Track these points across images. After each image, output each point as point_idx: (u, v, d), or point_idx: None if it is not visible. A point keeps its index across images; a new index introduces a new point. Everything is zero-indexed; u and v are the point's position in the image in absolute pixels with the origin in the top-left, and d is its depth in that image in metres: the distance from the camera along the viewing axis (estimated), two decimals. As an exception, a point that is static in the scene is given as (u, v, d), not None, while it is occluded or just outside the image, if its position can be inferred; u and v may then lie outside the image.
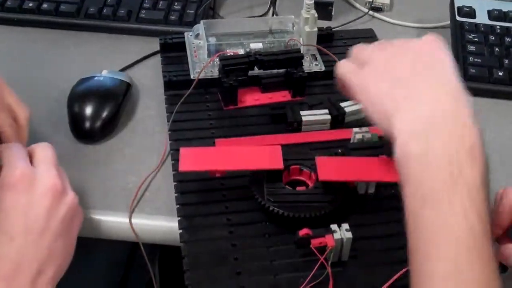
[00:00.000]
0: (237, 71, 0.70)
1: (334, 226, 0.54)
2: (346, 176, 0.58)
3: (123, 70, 0.77)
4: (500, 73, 0.76)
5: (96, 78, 0.71)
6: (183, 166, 0.58)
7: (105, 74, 0.72)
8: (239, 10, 0.89)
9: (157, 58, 0.79)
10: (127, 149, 0.67)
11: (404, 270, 0.53)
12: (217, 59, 0.72)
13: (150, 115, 0.72)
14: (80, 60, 0.80)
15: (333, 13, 0.87)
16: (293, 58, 0.71)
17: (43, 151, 0.56)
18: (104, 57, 0.80)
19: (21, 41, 0.83)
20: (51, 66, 0.79)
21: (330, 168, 0.58)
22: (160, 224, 0.60)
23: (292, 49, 0.73)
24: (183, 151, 0.59)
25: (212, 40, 0.75)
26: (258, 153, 0.59)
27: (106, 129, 0.68)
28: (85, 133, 0.68)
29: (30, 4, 0.85)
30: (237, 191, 0.60)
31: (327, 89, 0.74)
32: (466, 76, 0.76)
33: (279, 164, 0.58)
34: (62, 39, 0.83)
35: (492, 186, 0.47)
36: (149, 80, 0.77)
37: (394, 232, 0.58)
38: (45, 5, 0.85)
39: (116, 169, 0.65)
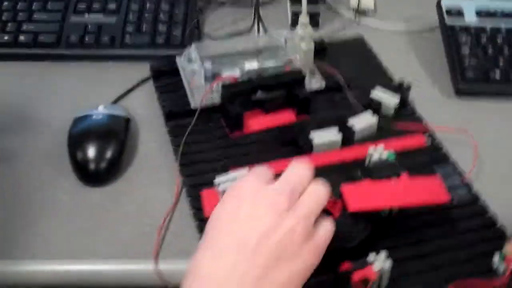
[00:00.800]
0: (240, 97, 0.68)
1: (372, 256, 0.53)
2: (377, 203, 0.57)
3: (115, 101, 0.74)
4: (497, 73, 0.76)
5: (93, 117, 0.68)
6: (209, 211, 0.55)
7: (101, 111, 0.69)
8: (223, 26, 0.87)
9: (149, 85, 0.77)
10: (136, 189, 0.65)
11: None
12: (216, 85, 0.70)
13: (153, 148, 0.69)
14: (68, 93, 0.76)
15: (319, 22, 0.86)
16: (295, 79, 0.69)
17: (293, 174, 0.52)
18: (93, 88, 0.77)
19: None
20: (38, 102, 0.75)
21: (358, 196, 0.57)
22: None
23: (294, 70, 0.71)
24: (205, 194, 0.57)
25: (208, 64, 0.73)
26: None
27: (112, 169, 0.65)
28: (92, 176, 0.65)
29: (6, 37, 0.81)
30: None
31: (329, 104, 0.73)
32: (465, 79, 0.76)
33: None
34: (44, 72, 0.79)
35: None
36: (144, 110, 0.74)
37: (427, 252, 0.58)
38: (22, 37, 0.81)
39: (129, 213, 0.63)
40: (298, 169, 0.53)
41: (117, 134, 0.67)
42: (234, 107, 0.68)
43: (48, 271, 0.58)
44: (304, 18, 0.73)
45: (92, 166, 0.65)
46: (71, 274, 0.58)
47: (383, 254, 0.54)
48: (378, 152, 0.63)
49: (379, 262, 0.53)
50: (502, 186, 0.65)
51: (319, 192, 0.52)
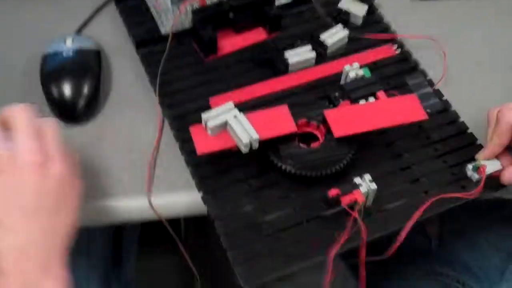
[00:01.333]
0: (212, 21, 0.67)
1: (357, 179, 0.57)
2: (362, 127, 0.59)
3: (79, 30, 0.72)
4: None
5: (64, 54, 0.66)
6: (200, 148, 0.57)
7: (69, 45, 0.67)
8: None
9: (112, 8, 0.74)
10: (118, 124, 0.65)
11: (425, 205, 0.57)
12: (185, 8, 0.69)
13: (129, 79, 0.69)
14: (28, 26, 0.73)
15: None
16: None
17: (17, 117, 0.52)
18: (53, 17, 0.74)
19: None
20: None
21: (341, 122, 0.59)
22: (181, 200, 0.61)
23: (262, -13, 0.70)
24: (193, 130, 0.58)
25: (173, -15, 0.71)
26: (268, 119, 0.59)
27: (91, 105, 0.65)
28: (72, 114, 0.64)
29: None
30: (252, 156, 0.61)
31: (300, 18, 0.73)
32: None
33: (291, 127, 0.59)
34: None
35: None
36: (111, 37, 0.72)
37: (405, 165, 0.61)
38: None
39: (115, 149, 0.63)
40: (21, 116, 0.52)
41: (91, 69, 0.66)
42: (207, 31, 0.67)
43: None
44: None
45: (70, 103, 0.64)
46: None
47: (367, 177, 0.57)
48: (354, 69, 0.64)
49: (365, 185, 0.56)
50: (470, 90, 0.68)
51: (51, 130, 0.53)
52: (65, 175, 0.52)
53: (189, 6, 0.69)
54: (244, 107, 0.63)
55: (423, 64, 0.69)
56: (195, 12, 0.67)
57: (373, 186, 0.56)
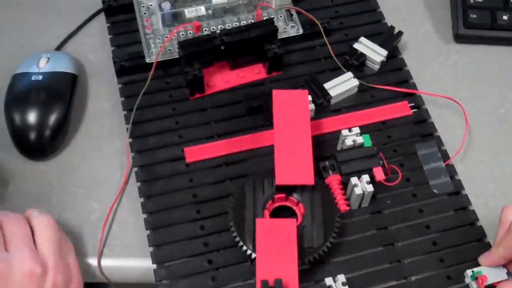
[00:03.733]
0: (201, 56, 0.59)
1: (329, 280, 0.49)
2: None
3: (65, 41, 0.65)
4: (505, 17, 0.65)
5: (33, 77, 0.59)
6: None
7: (43, 68, 0.60)
8: None
9: (101, 19, 0.67)
10: (83, 164, 0.58)
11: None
12: (176, 34, 0.61)
13: (104, 110, 0.62)
14: (12, 27, 0.67)
15: None
16: (265, 34, 0.59)
17: (12, 227, 0.48)
18: (34, 26, 0.67)
19: None
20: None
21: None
22: (132, 265, 0.54)
23: (264, 21, 0.61)
24: None
25: (166, 6, 0.62)
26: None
27: (56, 138, 0.58)
28: (32, 147, 0.58)
29: None
30: (216, 221, 0.54)
31: (306, 56, 0.64)
32: (466, 24, 0.65)
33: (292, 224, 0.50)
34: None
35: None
36: (96, 54, 0.65)
37: (396, 257, 0.53)
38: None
39: (75, 194, 0.57)
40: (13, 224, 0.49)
41: (61, 95, 0.59)
42: (193, 68, 0.59)
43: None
44: (281, -50, 0.61)
45: (33, 136, 0.58)
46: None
47: (340, 278, 0.49)
48: (352, 135, 0.55)
49: (336, 288, 0.48)
50: (491, 172, 0.58)
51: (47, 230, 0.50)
52: (60, 282, 0.48)
53: (181, 33, 0.61)
54: (223, 161, 0.57)
55: (441, 129, 0.60)
56: (182, 46, 0.58)
57: (345, 289, 0.48)
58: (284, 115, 0.55)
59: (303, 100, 0.56)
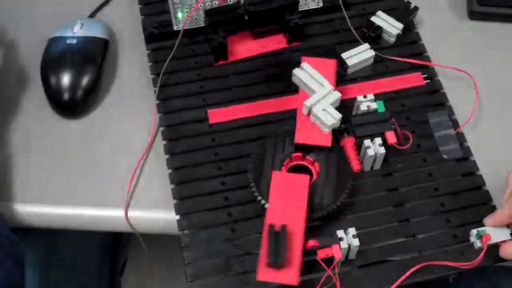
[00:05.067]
0: (225, 24, 0.62)
1: (340, 233, 0.52)
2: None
3: (96, 11, 0.69)
4: (518, -5, 0.68)
5: (68, 40, 0.63)
6: None
7: (77, 32, 0.64)
8: None
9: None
10: (113, 123, 0.62)
11: (413, 269, 0.52)
12: (202, 4, 0.64)
13: (133, 74, 0.65)
14: (42, 4, 0.70)
15: None
16: (287, 5, 0.63)
17: None
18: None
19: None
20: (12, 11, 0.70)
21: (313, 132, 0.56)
22: (157, 217, 0.58)
23: (287, -7, 0.64)
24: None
25: (194, -25, 0.66)
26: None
27: (88, 99, 0.62)
28: (66, 107, 0.62)
29: None
30: (236, 178, 0.57)
31: (325, 28, 0.67)
32: (480, 0, 0.68)
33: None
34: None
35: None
36: (126, 24, 0.69)
37: (403, 217, 0.56)
38: None
39: (104, 152, 0.61)
40: None
41: (93, 59, 0.63)
42: (218, 35, 0.62)
43: (19, 213, 0.58)
44: None
45: (66, 96, 0.61)
46: (40, 217, 0.58)
47: (351, 231, 0.52)
48: (367, 101, 0.58)
49: (346, 241, 0.51)
50: (499, 140, 0.61)
51: None
52: None
53: (207, 2, 0.64)
54: (244, 124, 0.60)
55: (453, 100, 0.62)
56: (208, 13, 0.62)
57: (356, 242, 0.51)
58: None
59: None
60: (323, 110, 0.56)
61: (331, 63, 0.60)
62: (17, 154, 0.60)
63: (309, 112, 0.56)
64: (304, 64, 0.59)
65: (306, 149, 0.56)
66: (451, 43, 0.67)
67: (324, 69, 0.59)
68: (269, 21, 0.64)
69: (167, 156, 0.59)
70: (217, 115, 0.61)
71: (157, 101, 0.62)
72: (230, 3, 0.64)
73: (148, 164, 0.60)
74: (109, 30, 0.67)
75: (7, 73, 0.65)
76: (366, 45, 0.64)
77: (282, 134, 0.57)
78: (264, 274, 0.49)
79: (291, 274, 0.49)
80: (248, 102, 0.62)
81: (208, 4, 0.66)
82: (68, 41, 0.63)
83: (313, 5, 0.67)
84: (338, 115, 0.55)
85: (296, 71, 0.59)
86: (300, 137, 0.56)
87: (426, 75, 0.63)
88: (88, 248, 0.75)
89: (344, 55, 0.63)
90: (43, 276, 0.66)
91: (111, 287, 0.80)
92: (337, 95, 0.57)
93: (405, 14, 0.66)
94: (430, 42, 0.66)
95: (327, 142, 0.56)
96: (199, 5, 0.65)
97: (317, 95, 0.57)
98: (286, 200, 0.52)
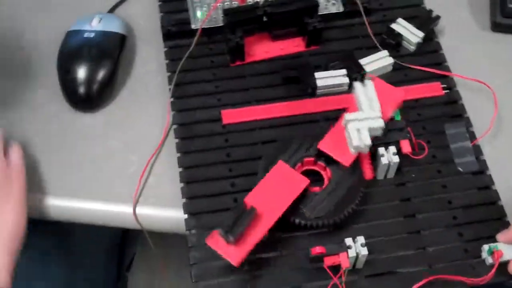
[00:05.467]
0: (244, 25, 0.62)
1: (349, 240, 0.51)
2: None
3: (115, 7, 0.69)
4: (544, 8, 0.66)
5: (85, 34, 0.63)
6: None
7: (95, 26, 0.64)
8: None
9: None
10: (126, 119, 0.62)
11: (422, 282, 0.51)
12: (221, 3, 0.64)
13: (150, 70, 0.65)
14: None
15: None
16: (306, 8, 0.62)
17: None
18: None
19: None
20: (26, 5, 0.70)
21: (341, 147, 0.55)
22: (165, 215, 0.57)
23: (307, -5, 0.63)
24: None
25: (214, -23, 0.66)
26: (274, 187, 0.53)
27: (103, 93, 0.62)
28: (81, 100, 0.62)
29: None
30: (247, 180, 0.56)
31: (344, 33, 0.66)
32: (504, 12, 0.66)
33: (303, 181, 0.53)
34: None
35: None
36: (145, 20, 0.69)
37: (414, 229, 0.55)
38: None
39: (116, 147, 0.60)
40: None
41: (110, 54, 0.63)
42: (236, 35, 0.62)
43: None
44: None
45: (82, 89, 0.61)
46: (52, 209, 0.58)
47: (360, 239, 0.51)
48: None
49: (354, 249, 0.51)
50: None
51: None
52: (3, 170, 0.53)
53: (226, 2, 0.64)
54: (257, 126, 0.60)
55: (471, 112, 0.61)
56: (226, 12, 0.61)
57: (364, 251, 0.51)
58: None
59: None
60: (357, 130, 0.54)
61: (398, 95, 0.58)
62: (30, 147, 0.60)
63: (345, 125, 0.55)
64: (368, 82, 0.57)
65: (327, 158, 0.55)
66: (472, 54, 0.66)
67: (386, 97, 0.57)
68: (288, 23, 0.63)
69: (178, 155, 0.58)
70: (231, 115, 0.60)
71: (172, 99, 0.61)
72: (249, 3, 0.63)
73: (159, 162, 0.59)
74: (127, 26, 0.66)
75: (23, 66, 0.65)
76: (385, 52, 0.63)
77: (310, 137, 0.56)
78: (213, 240, 0.50)
79: (236, 254, 0.49)
80: (263, 104, 0.61)
81: (227, 4, 0.65)
82: (85, 35, 0.63)
83: (333, 10, 0.66)
84: (368, 141, 0.53)
85: (357, 85, 0.57)
86: (325, 145, 0.55)
87: (445, 85, 0.62)
88: (96, 243, 0.76)
89: (362, 61, 0.62)
90: (50, 270, 0.66)
91: (118, 282, 0.80)
92: (380, 123, 0.54)
93: (426, 22, 0.65)
94: (451, 52, 0.65)
95: (347, 161, 0.54)
96: (218, 4, 0.64)
97: (362, 114, 0.55)
98: (275, 190, 0.52)
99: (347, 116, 0.54)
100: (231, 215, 0.49)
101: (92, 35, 0.63)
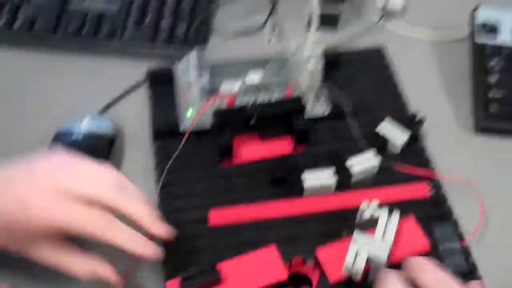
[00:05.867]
0: (232, 126, 0.63)
1: None
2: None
3: (107, 107, 0.70)
4: (526, 110, 0.68)
5: (73, 136, 0.64)
6: None
7: (85, 127, 0.64)
8: (235, 20, 0.80)
9: (142, 89, 0.72)
10: (113, 219, 0.61)
11: None
12: (211, 105, 0.65)
13: (137, 170, 0.65)
14: (58, 89, 0.72)
15: (339, 24, 0.79)
16: (294, 110, 0.63)
17: None
18: (86, 86, 0.73)
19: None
20: (24, 97, 0.71)
21: (337, 262, 0.53)
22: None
23: (293, 98, 0.65)
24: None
25: (205, 77, 0.67)
26: (254, 265, 0.53)
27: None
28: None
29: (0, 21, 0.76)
30: None
31: (332, 133, 0.67)
32: (488, 115, 0.68)
33: (282, 273, 0.52)
34: (37, 62, 0.74)
35: None
36: (135, 120, 0.69)
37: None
38: (17, 22, 0.76)
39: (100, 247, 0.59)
40: None
41: (98, 156, 0.63)
42: (225, 136, 0.62)
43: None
44: (313, 35, 0.66)
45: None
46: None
47: None
48: (371, 209, 0.57)
49: None
50: (507, 256, 0.60)
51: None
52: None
53: (214, 105, 0.65)
54: (245, 228, 0.59)
55: (459, 213, 0.61)
56: (215, 114, 0.62)
57: None
58: None
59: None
60: (356, 252, 0.53)
61: (420, 244, 0.57)
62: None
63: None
64: (396, 214, 0.56)
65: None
66: (457, 154, 0.67)
67: (408, 239, 0.56)
68: (276, 125, 0.64)
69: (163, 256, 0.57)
70: (219, 216, 0.60)
71: (159, 199, 0.61)
72: (238, 105, 0.65)
73: (142, 269, 0.58)
74: (116, 127, 0.67)
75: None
76: (371, 153, 0.64)
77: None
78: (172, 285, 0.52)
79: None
80: (251, 205, 0.61)
81: (216, 106, 0.66)
82: (74, 137, 0.63)
83: (320, 111, 0.67)
84: (360, 268, 0.52)
85: (384, 212, 0.56)
86: (323, 254, 0.55)
87: (431, 186, 0.63)
88: None
89: (348, 163, 0.63)
90: None
91: None
92: (384, 255, 0.52)
93: (411, 125, 0.66)
94: (437, 154, 0.66)
95: (333, 278, 0.53)
96: (208, 106, 0.65)
97: (370, 239, 0.54)
98: (252, 269, 0.53)
99: (357, 237, 0.54)
100: (196, 269, 0.51)
101: (80, 137, 0.63)
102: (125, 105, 0.71)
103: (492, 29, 0.73)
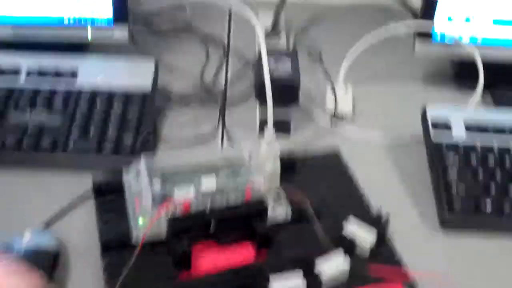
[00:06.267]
0: (189, 233, 0.58)
1: None
2: None
3: (50, 222, 0.64)
4: (488, 204, 0.67)
5: (15, 250, 0.58)
6: None
7: (25, 243, 0.58)
8: (184, 128, 0.77)
9: (89, 200, 0.67)
10: None
11: None
12: (165, 213, 0.60)
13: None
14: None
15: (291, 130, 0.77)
16: (255, 213, 0.60)
17: None
18: (27, 202, 0.68)
19: None
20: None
21: None
22: None
23: (254, 201, 0.61)
24: None
25: (156, 184, 0.63)
26: None
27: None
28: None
29: None
30: None
31: (294, 235, 0.63)
32: (452, 210, 0.66)
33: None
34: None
35: None
36: (81, 235, 0.64)
37: None
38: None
39: None
40: None
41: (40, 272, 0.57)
42: (182, 246, 0.58)
43: None
44: (269, 136, 0.64)
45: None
46: None
47: None
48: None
49: None
50: None
51: None
52: None
53: (168, 213, 0.60)
54: None
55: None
56: (170, 223, 0.58)
57: None
58: None
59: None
60: None
61: None
62: None
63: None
64: None
65: None
66: (427, 253, 0.65)
67: None
68: (236, 229, 0.60)
69: None
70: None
71: (109, 322, 0.55)
72: (194, 211, 0.60)
73: None
74: (60, 242, 0.61)
75: None
76: (340, 257, 0.60)
77: None
78: None
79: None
80: (214, 319, 0.55)
81: (170, 213, 0.62)
82: (15, 252, 0.57)
83: (281, 213, 0.64)
84: None
85: None
86: None
87: (404, 284, 0.59)
88: None
89: (316, 269, 0.58)
90: None
91: None
92: None
93: (377, 226, 0.63)
94: (405, 252, 0.63)
95: None
96: (161, 215, 0.61)
97: None
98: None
99: None
100: None
101: (22, 252, 0.57)
102: (71, 219, 0.66)
103: (445, 127, 0.73)
